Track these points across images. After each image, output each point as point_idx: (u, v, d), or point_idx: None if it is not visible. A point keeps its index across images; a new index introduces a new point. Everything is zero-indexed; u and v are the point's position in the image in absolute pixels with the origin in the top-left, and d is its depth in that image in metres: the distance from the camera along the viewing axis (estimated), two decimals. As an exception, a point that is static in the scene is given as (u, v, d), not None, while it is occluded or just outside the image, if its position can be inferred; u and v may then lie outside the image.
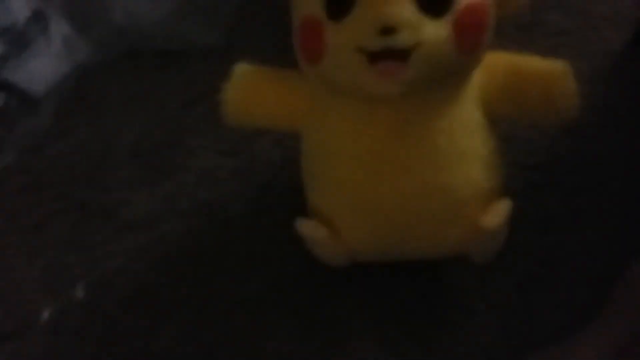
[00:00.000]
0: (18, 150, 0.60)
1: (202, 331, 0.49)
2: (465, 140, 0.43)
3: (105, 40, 0.64)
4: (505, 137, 0.58)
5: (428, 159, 0.42)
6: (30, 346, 0.49)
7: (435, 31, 0.37)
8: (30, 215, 0.56)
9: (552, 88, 0.42)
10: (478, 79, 0.43)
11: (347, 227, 0.45)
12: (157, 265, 0.53)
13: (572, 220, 0.54)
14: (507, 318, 0.49)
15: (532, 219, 0.53)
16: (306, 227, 0.45)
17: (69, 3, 0.62)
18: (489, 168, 0.44)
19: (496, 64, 0.44)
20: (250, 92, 0.46)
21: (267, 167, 0.58)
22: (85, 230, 0.55)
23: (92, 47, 0.64)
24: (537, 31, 0.65)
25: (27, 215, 0.57)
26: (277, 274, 0.52)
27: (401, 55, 0.37)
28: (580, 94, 0.61)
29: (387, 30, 0.37)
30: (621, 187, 0.55)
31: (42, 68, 0.61)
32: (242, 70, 0.46)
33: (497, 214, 0.43)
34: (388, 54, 0.37)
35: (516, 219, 0.52)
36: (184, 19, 0.65)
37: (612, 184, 0.55)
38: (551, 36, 0.64)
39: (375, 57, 0.37)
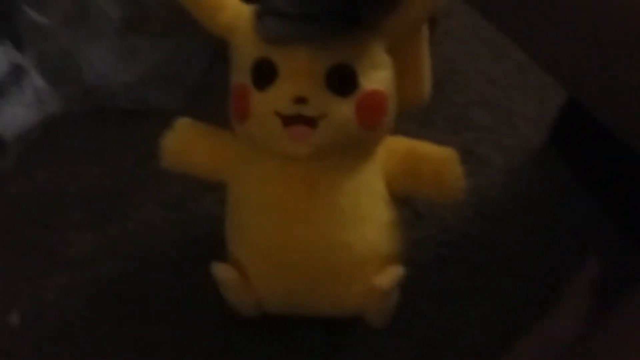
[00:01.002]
0: (-21, 187, 0.65)
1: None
2: (367, 205, 0.49)
3: (74, 96, 0.71)
4: (422, 215, 0.65)
5: (332, 217, 0.48)
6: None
7: (339, 107, 0.45)
8: (-20, 246, 0.61)
9: (442, 170, 0.49)
10: (381, 157, 0.50)
11: (256, 274, 0.50)
12: (87, 302, 0.57)
13: (472, 293, 0.59)
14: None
15: (435, 290, 0.59)
16: (218, 270, 0.50)
17: (44, 60, 0.69)
18: (387, 235, 0.50)
19: (397, 146, 0.51)
20: (186, 141, 0.53)
21: (206, 222, 0.63)
22: (29, 265, 0.60)
23: (61, 101, 0.71)
24: (462, 125, 0.72)
25: (-23, 245, 0.61)
26: (196, 321, 0.56)
27: (310, 122, 0.45)
28: (496, 183, 0.69)
29: (300, 99, 0.45)
30: (520, 268, 0.61)
31: (13, 115, 0.67)
32: (182, 123, 0.53)
33: (389, 276, 0.49)
34: (299, 120, 0.45)
35: (421, 289, 0.58)
36: (148, 83, 0.72)
37: (513, 264, 0.61)
38: (474, 130, 0.72)
39: (288, 121, 0.45)
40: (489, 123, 0.73)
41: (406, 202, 0.63)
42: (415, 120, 0.71)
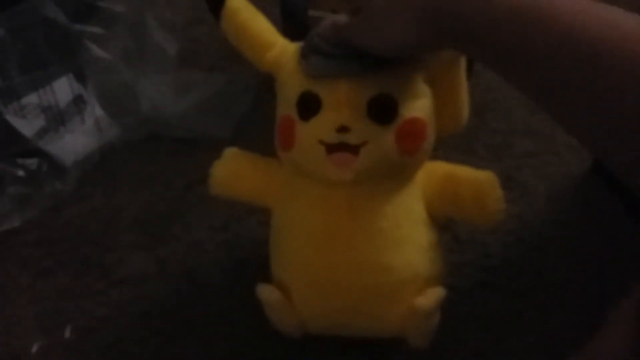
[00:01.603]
0: (41, 208, 0.69)
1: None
2: (407, 228, 0.50)
3: (131, 125, 0.76)
4: (463, 240, 0.65)
5: (372, 240, 0.49)
6: (17, 374, 0.56)
7: (380, 134, 0.47)
8: (40, 264, 0.65)
9: (481, 193, 0.50)
10: (421, 181, 0.52)
11: (298, 295, 0.51)
12: (138, 319, 0.60)
13: (513, 320, 0.59)
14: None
15: (476, 316, 0.59)
16: (263, 291, 0.52)
17: (104, 92, 0.74)
18: (427, 257, 0.51)
19: (436, 170, 0.52)
20: (233, 170, 0.55)
21: (250, 243, 0.66)
22: (83, 282, 0.63)
23: (119, 129, 0.75)
24: (503, 152, 0.73)
25: (37, 263, 0.65)
26: (241, 340, 0.58)
27: (352, 149, 0.47)
28: (538, 210, 0.69)
29: (342, 129, 0.46)
30: (562, 295, 0.60)
31: (74, 142, 0.72)
32: (230, 152, 0.56)
33: (430, 298, 0.50)
34: (342, 148, 0.47)
35: (461, 314, 0.58)
36: (200, 114, 0.77)
37: (555, 291, 0.61)
38: (516, 157, 0.73)
39: (332, 149, 0.47)
40: (531, 150, 0.74)
41: (447, 227, 0.64)
42: (457, 148, 0.73)
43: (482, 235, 0.65)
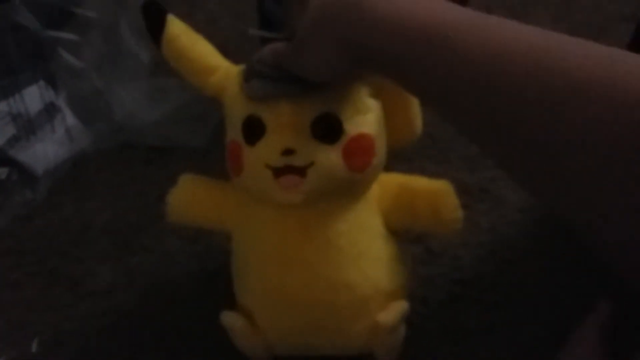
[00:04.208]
0: (11, 217, 0.68)
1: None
2: (364, 243, 0.50)
3: (104, 133, 0.75)
4: (436, 253, 0.65)
5: (330, 258, 0.49)
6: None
7: (326, 154, 0.46)
8: (8, 275, 0.64)
9: (437, 202, 0.50)
10: (376, 194, 0.51)
11: (261, 319, 0.51)
12: (106, 331, 0.59)
13: (484, 333, 0.59)
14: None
15: (447, 329, 0.59)
16: (227, 318, 0.51)
17: (76, 99, 0.74)
18: (388, 270, 0.51)
19: (391, 182, 0.52)
20: (189, 196, 0.55)
21: (221, 255, 0.65)
22: (52, 294, 0.62)
23: (91, 138, 0.75)
24: (479, 163, 0.73)
25: (5, 274, 0.64)
26: (210, 354, 0.57)
27: (299, 171, 0.46)
28: (512, 222, 0.69)
29: (288, 151, 0.46)
30: (533, 308, 0.60)
31: (45, 151, 0.71)
32: (185, 179, 0.55)
33: (393, 312, 0.49)
34: (289, 170, 0.46)
35: (432, 327, 0.58)
36: (174, 123, 0.76)
37: (526, 304, 0.61)
38: (491, 169, 0.72)
39: (279, 172, 0.46)
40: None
41: (419, 240, 0.64)
42: (432, 159, 0.72)
43: (454, 247, 0.64)
